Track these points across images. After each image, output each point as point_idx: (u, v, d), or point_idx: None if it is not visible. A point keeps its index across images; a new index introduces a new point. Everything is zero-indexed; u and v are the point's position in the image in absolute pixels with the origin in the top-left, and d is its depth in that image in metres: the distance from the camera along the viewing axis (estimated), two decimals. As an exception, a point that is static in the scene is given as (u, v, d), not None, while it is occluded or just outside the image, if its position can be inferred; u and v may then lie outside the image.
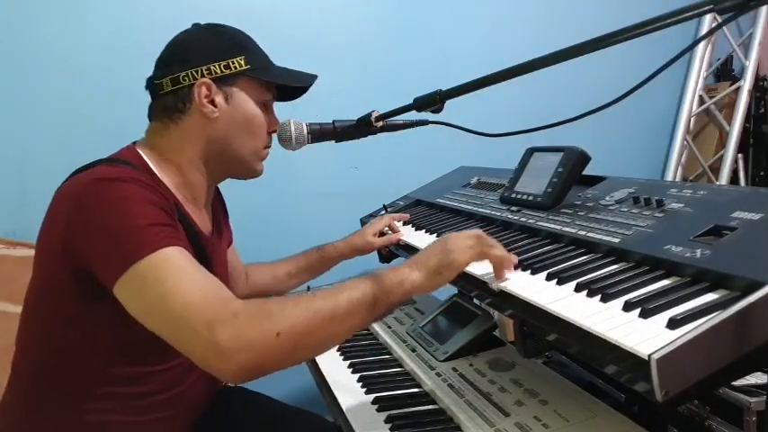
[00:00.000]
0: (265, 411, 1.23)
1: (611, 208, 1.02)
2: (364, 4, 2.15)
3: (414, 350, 1.31)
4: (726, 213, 0.81)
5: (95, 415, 0.93)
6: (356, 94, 2.08)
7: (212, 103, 1.02)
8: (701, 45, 2.59)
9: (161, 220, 0.86)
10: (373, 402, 1.10)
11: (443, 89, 0.97)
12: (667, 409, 1.06)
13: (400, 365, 1.28)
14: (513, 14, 2.34)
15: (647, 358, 0.59)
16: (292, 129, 1.13)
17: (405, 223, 1.48)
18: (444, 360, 1.23)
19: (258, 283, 1.43)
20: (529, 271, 0.92)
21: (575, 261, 0.91)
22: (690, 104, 2.60)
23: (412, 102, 1.01)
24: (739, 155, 2.57)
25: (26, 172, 1.79)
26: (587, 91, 1.95)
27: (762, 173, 2.57)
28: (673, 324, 0.64)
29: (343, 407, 1.10)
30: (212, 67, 1.01)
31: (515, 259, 0.95)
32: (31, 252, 0.96)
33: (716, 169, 2.57)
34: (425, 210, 1.56)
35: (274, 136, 1.13)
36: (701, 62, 2.61)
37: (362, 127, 1.12)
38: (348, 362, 1.30)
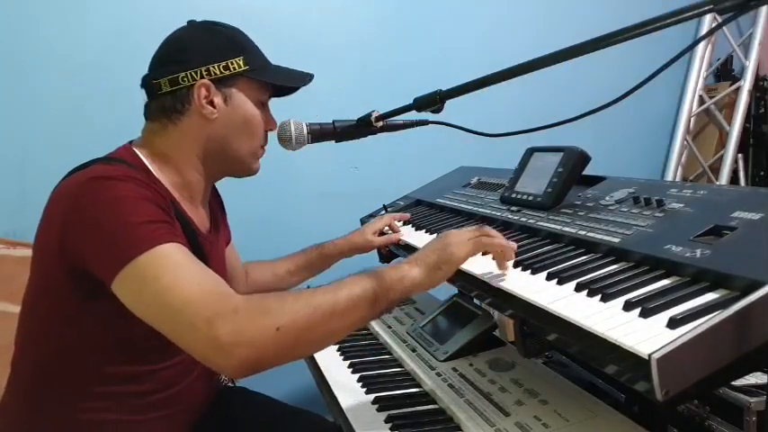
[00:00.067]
0: (265, 411, 1.23)
1: (611, 208, 1.02)
2: (364, 4, 2.15)
3: (414, 350, 1.31)
4: (726, 213, 0.81)
5: (94, 414, 0.93)
6: (356, 94, 2.08)
7: (211, 103, 1.02)
8: (701, 45, 2.59)
9: (158, 216, 0.86)
10: (373, 402, 1.10)
11: (443, 89, 0.97)
12: (667, 409, 1.06)
13: (400, 365, 1.28)
14: (513, 14, 2.35)
15: (647, 358, 0.59)
16: (292, 129, 1.13)
17: (405, 223, 1.48)
18: (444, 360, 1.23)
19: (258, 282, 1.43)
20: (529, 271, 0.92)
21: (575, 261, 0.91)
22: (690, 104, 2.60)
23: (412, 102, 1.01)
24: (739, 155, 2.57)
25: (26, 172, 1.79)
26: (587, 91, 1.95)
27: (762, 173, 2.58)
28: (673, 324, 0.64)
29: (343, 407, 1.10)
30: (211, 68, 1.01)
31: (515, 246, 0.95)
32: (31, 252, 0.96)
33: (716, 169, 2.57)
34: (425, 210, 1.56)
35: (271, 134, 1.13)
36: (700, 62, 2.61)
37: (362, 127, 1.12)
38: (348, 362, 1.30)
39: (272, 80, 1.09)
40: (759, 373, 1.00)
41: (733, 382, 1.02)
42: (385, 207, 1.67)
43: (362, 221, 1.63)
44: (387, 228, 1.47)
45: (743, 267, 0.69)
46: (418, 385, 1.17)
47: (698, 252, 0.76)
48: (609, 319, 0.69)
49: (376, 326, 1.48)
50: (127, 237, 0.82)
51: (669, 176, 2.59)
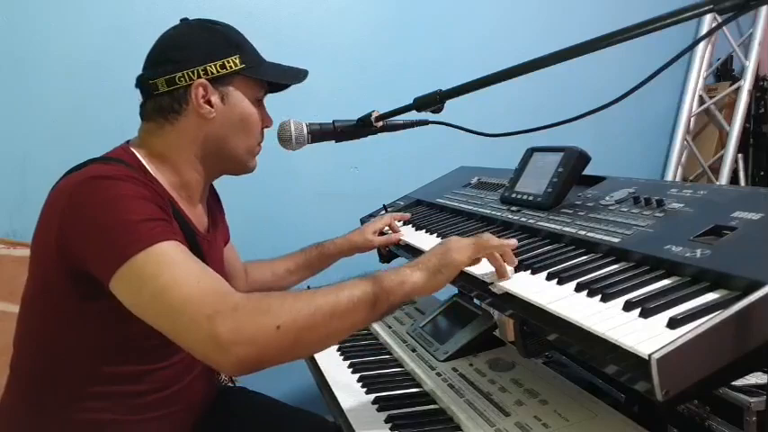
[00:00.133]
0: (265, 411, 1.23)
1: (611, 208, 1.02)
2: (364, 4, 2.15)
3: (414, 350, 1.31)
4: (726, 213, 0.81)
5: (93, 414, 0.93)
6: (356, 94, 2.08)
7: (209, 103, 1.02)
8: (701, 45, 2.59)
9: (156, 215, 0.86)
10: (373, 402, 1.10)
11: (443, 89, 0.97)
12: (667, 409, 1.06)
13: (400, 365, 1.28)
14: (513, 14, 2.35)
15: (647, 358, 0.59)
16: (292, 129, 1.13)
17: (405, 223, 1.48)
18: (444, 360, 1.23)
19: (258, 281, 1.43)
20: (529, 271, 0.92)
21: (575, 261, 0.91)
22: (690, 104, 2.60)
23: (412, 102, 1.01)
24: (739, 155, 2.57)
25: (26, 172, 1.79)
26: (587, 91, 1.96)
27: (762, 173, 2.57)
28: (673, 324, 0.64)
29: (344, 407, 1.10)
30: (208, 68, 1.01)
31: (515, 243, 0.95)
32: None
33: (716, 169, 2.57)
34: (425, 210, 1.56)
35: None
36: (700, 62, 2.61)
37: (362, 127, 1.12)
38: (348, 362, 1.30)
39: (268, 78, 1.09)
40: (759, 373, 1.00)
41: (733, 382, 1.02)
42: (385, 207, 1.67)
43: (362, 221, 1.63)
44: (387, 228, 1.47)
45: (743, 267, 0.69)
46: (418, 385, 1.17)
47: (698, 252, 0.76)
48: (609, 320, 0.69)
49: (376, 326, 1.48)
50: (125, 235, 0.81)
51: (669, 176, 2.59)
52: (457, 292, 1.43)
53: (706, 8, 0.68)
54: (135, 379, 0.96)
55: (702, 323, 0.61)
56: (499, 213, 1.23)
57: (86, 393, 0.93)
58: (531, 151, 1.31)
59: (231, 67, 1.02)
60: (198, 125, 1.03)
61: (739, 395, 1.02)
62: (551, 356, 1.36)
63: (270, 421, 1.19)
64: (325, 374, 1.25)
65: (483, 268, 0.96)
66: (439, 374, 1.17)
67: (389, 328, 1.47)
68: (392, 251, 1.45)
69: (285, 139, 1.13)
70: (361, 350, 1.37)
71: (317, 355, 1.31)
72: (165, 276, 0.79)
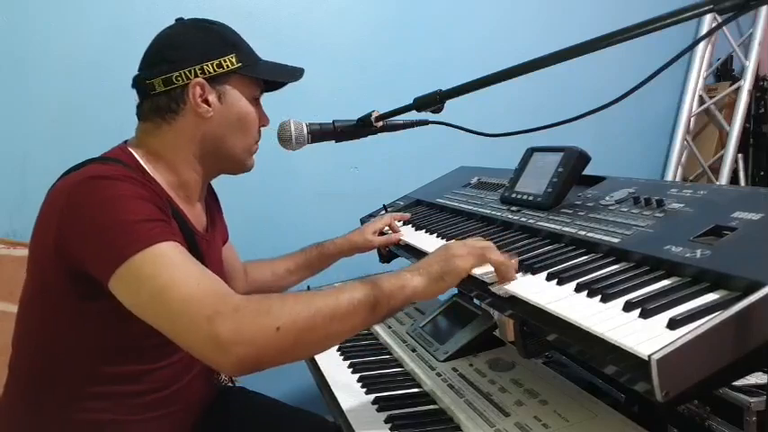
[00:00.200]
0: (265, 411, 1.23)
1: (611, 208, 1.02)
2: (364, 4, 2.15)
3: (414, 350, 1.31)
4: (726, 213, 0.81)
5: (92, 414, 0.93)
6: (356, 94, 2.08)
7: (206, 102, 1.02)
8: (701, 45, 2.59)
9: (155, 215, 0.86)
10: (373, 402, 1.10)
11: (443, 89, 0.97)
12: (667, 410, 1.06)
13: (400, 365, 1.28)
14: (513, 15, 2.35)
15: (647, 358, 0.59)
16: (292, 129, 1.13)
17: (405, 223, 1.48)
18: (444, 360, 1.23)
19: (258, 281, 1.43)
20: (529, 271, 0.92)
21: (575, 261, 0.91)
22: (690, 104, 2.60)
23: (412, 102, 1.01)
24: (739, 155, 2.57)
25: (26, 172, 1.79)
26: (587, 91, 1.95)
27: (762, 173, 2.57)
28: (673, 324, 0.64)
29: (344, 407, 1.10)
30: (205, 67, 1.01)
31: (516, 264, 0.93)
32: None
33: (716, 169, 2.57)
34: (425, 210, 1.56)
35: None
36: (700, 62, 2.61)
37: (362, 127, 1.12)
38: (348, 362, 1.30)
39: (265, 76, 1.09)
40: (759, 373, 1.00)
41: (733, 382, 1.02)
42: (385, 207, 1.67)
43: (362, 221, 1.63)
44: (387, 228, 1.47)
45: (743, 268, 0.69)
46: (418, 385, 1.17)
47: (698, 252, 0.76)
48: (609, 320, 0.69)
49: (376, 326, 1.48)
50: (123, 235, 0.82)
51: (669, 176, 2.59)
52: (457, 292, 1.43)
53: (706, 8, 0.68)
54: (134, 379, 0.96)
55: (702, 324, 0.61)
56: (499, 213, 1.23)
57: (85, 393, 0.93)
58: (531, 151, 1.31)
59: (228, 65, 1.02)
60: (195, 124, 1.03)
61: (739, 395, 1.02)
62: (551, 356, 1.35)
63: (270, 421, 1.19)
64: (325, 374, 1.25)
65: (483, 268, 0.95)
66: (439, 374, 1.17)
67: (389, 328, 1.47)
68: (392, 251, 1.45)
69: (285, 139, 1.13)
70: (361, 350, 1.37)
71: (316, 356, 1.31)
72: (164, 277, 0.79)
